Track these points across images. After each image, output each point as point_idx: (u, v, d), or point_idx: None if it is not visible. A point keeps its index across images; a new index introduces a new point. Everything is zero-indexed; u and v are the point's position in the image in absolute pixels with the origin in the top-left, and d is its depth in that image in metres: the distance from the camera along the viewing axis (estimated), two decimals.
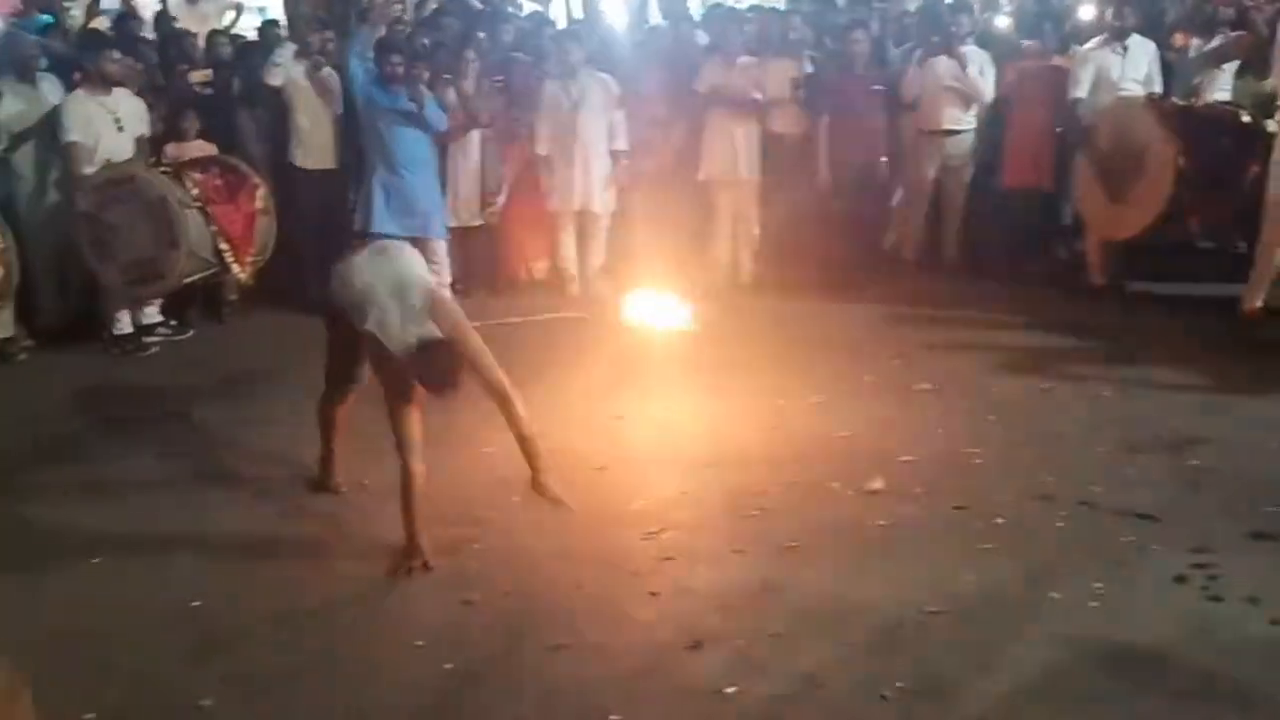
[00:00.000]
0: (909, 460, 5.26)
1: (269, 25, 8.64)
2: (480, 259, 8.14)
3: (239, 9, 11.08)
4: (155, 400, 6.32)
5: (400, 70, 7.18)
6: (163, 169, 6.83)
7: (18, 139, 6.85)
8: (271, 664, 3.76)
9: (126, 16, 8.98)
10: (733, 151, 7.95)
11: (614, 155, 7.89)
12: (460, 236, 7.96)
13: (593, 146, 7.77)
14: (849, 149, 7.88)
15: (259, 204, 7.00)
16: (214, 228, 6.74)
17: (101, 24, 9.83)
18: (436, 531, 4.47)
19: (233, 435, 5.74)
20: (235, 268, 6.88)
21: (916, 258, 8.53)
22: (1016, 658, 3.67)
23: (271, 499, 5.06)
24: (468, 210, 7.89)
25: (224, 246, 6.80)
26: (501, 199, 7.97)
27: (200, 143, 7.17)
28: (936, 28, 8.32)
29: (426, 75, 7.41)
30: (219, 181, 6.86)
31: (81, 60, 7.08)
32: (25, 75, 6.97)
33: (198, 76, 7.81)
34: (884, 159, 8.11)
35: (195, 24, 10.07)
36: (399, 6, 8.72)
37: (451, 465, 5.04)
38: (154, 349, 7.11)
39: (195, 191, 6.70)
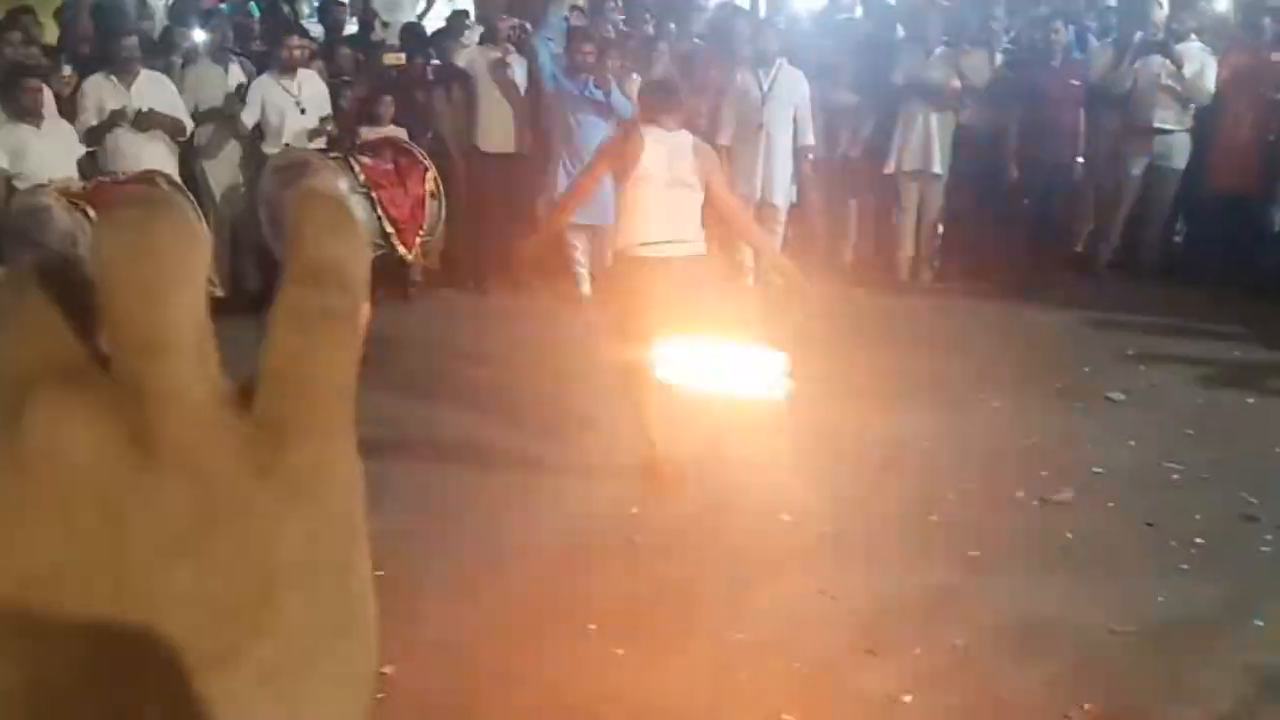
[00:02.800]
0: (1099, 472, 5.04)
1: (458, 13, 8.84)
2: None
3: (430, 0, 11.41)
4: None
5: (590, 58, 7.22)
6: (334, 154, 7.07)
7: (204, 117, 7.17)
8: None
9: (332, 3, 9.33)
10: (926, 144, 7.72)
11: (800, 149, 7.74)
12: None
13: (778, 138, 7.64)
14: (1043, 145, 7.57)
15: (428, 186, 7.15)
16: (378, 212, 6.93)
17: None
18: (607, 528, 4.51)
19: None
20: (400, 249, 7.05)
21: (1113, 260, 8.12)
22: (1210, 687, 3.47)
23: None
24: None
25: (389, 229, 6.99)
26: None
27: (393, 127, 7.38)
28: (1141, 21, 7.91)
29: (615, 64, 7.43)
30: (389, 165, 7.04)
31: (267, 44, 7.37)
32: (217, 57, 7.27)
33: (391, 59, 8.05)
34: (1079, 159, 7.76)
35: (390, 10, 10.40)
36: None
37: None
38: None
39: (362, 177, 6.91)
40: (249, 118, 6.95)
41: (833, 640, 3.81)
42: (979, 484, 4.96)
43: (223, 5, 10.68)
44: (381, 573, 0.35)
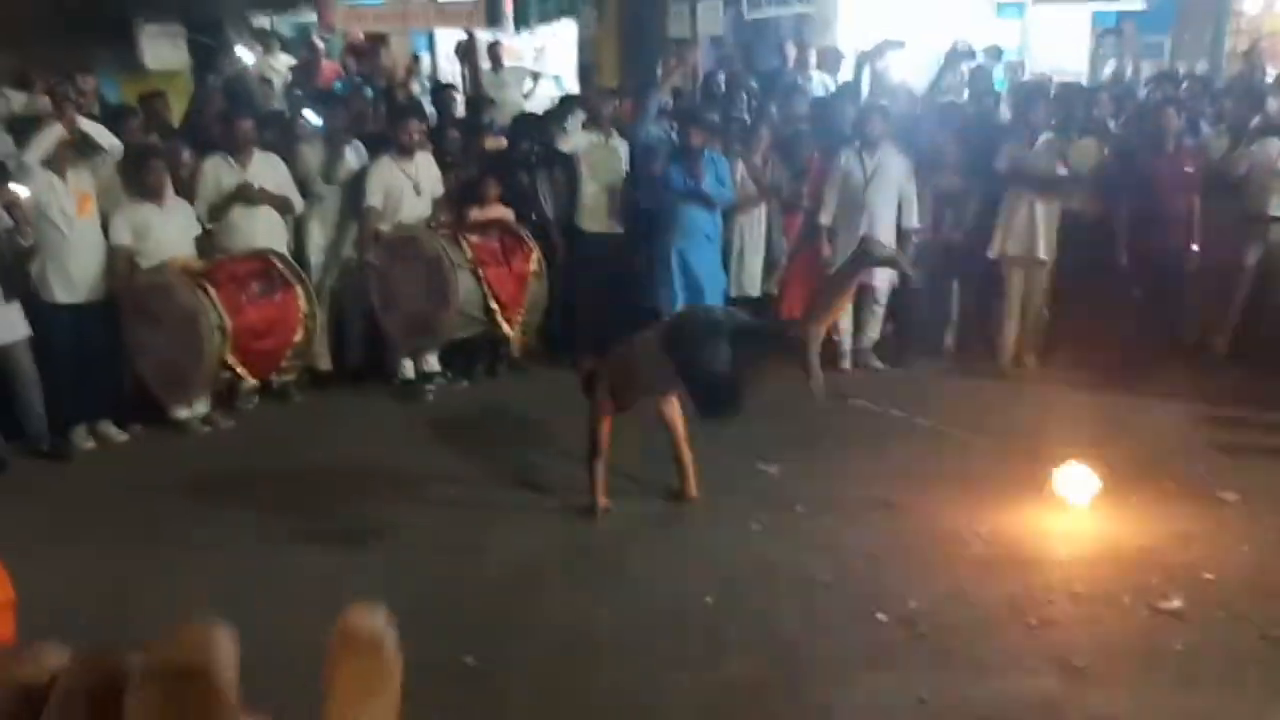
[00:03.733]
0: (1211, 579, 4.84)
1: (567, 98, 9.02)
2: None
3: (536, 77, 11.69)
4: (426, 439, 6.74)
5: (691, 142, 7.32)
6: (443, 231, 7.21)
7: (316, 195, 7.39)
8: None
9: (444, 86, 9.59)
10: (1031, 230, 7.59)
11: (904, 232, 7.69)
12: (741, 307, 7.99)
13: (881, 221, 7.61)
14: (1154, 233, 7.39)
15: (532, 267, 7.27)
16: (485, 289, 7.05)
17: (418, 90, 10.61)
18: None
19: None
20: (504, 326, 7.17)
21: (1228, 352, 7.84)
22: None
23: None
24: (750, 280, 7.90)
25: (494, 306, 7.11)
26: (780, 271, 7.94)
27: (499, 206, 7.52)
28: (1256, 107, 7.73)
29: (712, 148, 7.54)
30: (495, 244, 7.20)
31: (390, 128, 7.59)
32: (333, 139, 7.50)
33: (492, 144, 8.24)
34: (1194, 247, 7.55)
35: (496, 90, 10.67)
36: (680, 74, 8.91)
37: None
38: (430, 396, 7.46)
39: (469, 255, 7.04)
40: (373, 200, 7.13)
41: None
42: (1083, 587, 4.80)
43: (336, 84, 11.10)
44: None
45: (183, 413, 6.84)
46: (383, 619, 0.35)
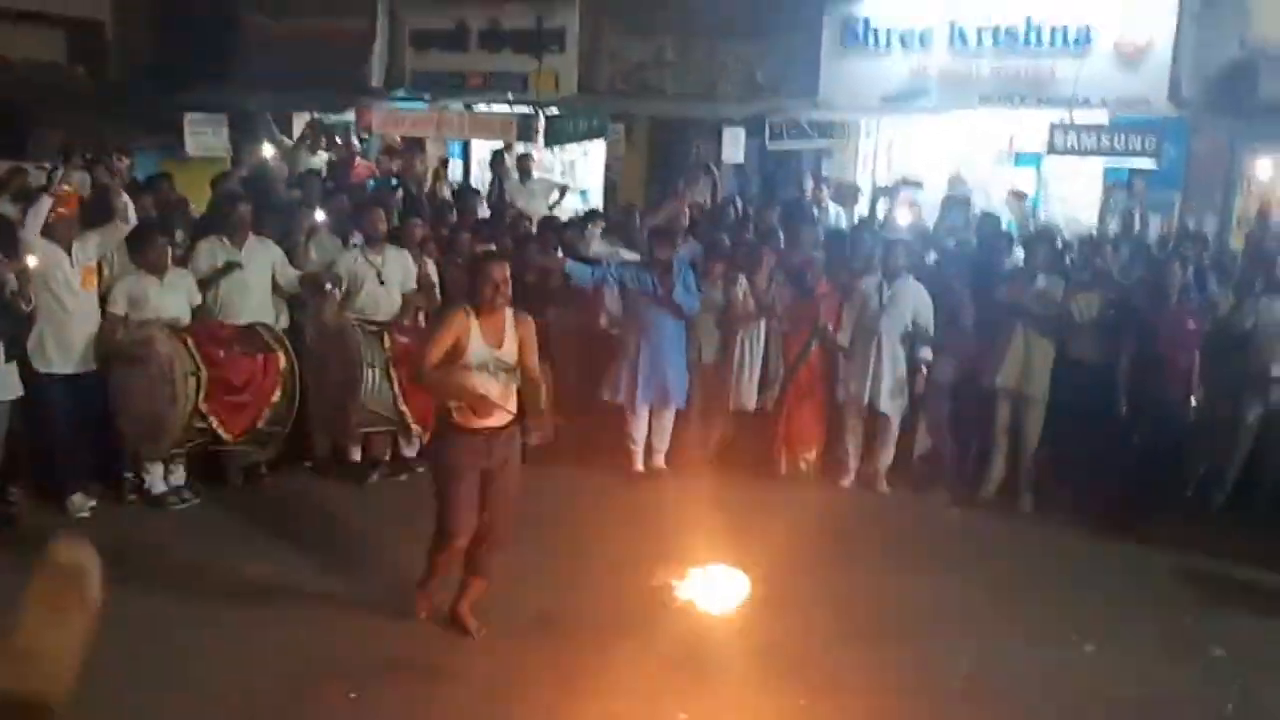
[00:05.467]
0: None
1: (591, 211, 9.29)
2: (749, 444, 8.19)
3: (564, 190, 12.00)
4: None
5: (664, 255, 7.71)
6: (372, 329, 7.30)
7: (307, 280, 7.57)
8: None
9: (466, 190, 9.87)
10: (1025, 365, 7.71)
11: (916, 362, 7.86)
12: (735, 420, 8.14)
13: (891, 348, 7.80)
14: (1155, 383, 7.46)
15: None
16: (397, 389, 7.13)
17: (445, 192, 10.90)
18: None
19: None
20: (415, 428, 7.21)
21: (1226, 506, 7.83)
22: None
23: None
24: (746, 395, 8.01)
25: (403, 407, 7.17)
26: (778, 387, 8.05)
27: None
28: (1265, 266, 7.88)
29: (721, 268, 7.88)
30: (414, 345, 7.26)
31: (358, 219, 7.91)
32: (335, 228, 7.87)
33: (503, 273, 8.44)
34: (1194, 401, 7.62)
35: (524, 199, 10.96)
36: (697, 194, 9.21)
37: None
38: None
39: (388, 354, 7.15)
40: (328, 286, 7.39)
41: None
42: None
43: (369, 182, 11.42)
44: None
45: (158, 486, 6.86)
46: (88, 553, 0.40)
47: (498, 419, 5.08)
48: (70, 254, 6.47)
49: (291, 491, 7.25)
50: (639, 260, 8.13)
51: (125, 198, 6.83)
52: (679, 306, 7.75)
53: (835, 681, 5.07)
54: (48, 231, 6.36)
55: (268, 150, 10.67)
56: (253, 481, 7.30)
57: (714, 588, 5.28)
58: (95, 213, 6.88)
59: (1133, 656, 5.54)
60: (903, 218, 9.38)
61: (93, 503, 6.71)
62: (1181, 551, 7.01)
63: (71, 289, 6.47)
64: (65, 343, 6.49)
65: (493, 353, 5.07)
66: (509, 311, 5.18)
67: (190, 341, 6.52)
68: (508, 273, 5.17)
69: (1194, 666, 5.47)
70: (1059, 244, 8.42)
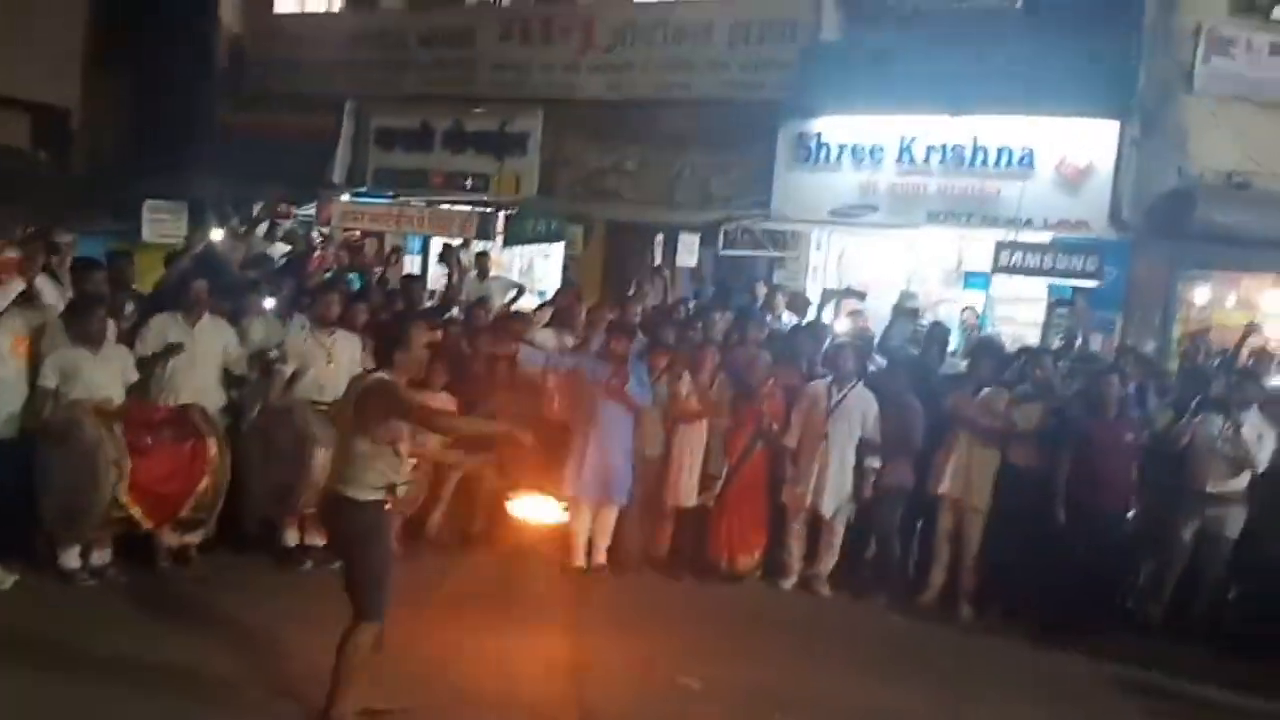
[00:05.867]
0: None
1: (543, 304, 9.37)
2: (690, 541, 8.14)
3: (520, 290, 12.09)
4: None
5: (620, 348, 7.76)
6: (321, 409, 7.17)
7: (254, 361, 7.60)
8: None
9: (411, 278, 9.95)
10: (966, 474, 7.77)
11: (861, 468, 7.90)
12: (675, 515, 8.10)
13: (839, 452, 7.85)
14: (1092, 494, 7.53)
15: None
16: None
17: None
18: None
19: None
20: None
21: (1163, 620, 7.83)
22: None
23: None
24: (686, 491, 7.97)
25: None
26: (719, 485, 8.03)
27: (445, 395, 7.62)
28: (1201, 386, 8.04)
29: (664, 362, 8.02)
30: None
31: (310, 303, 7.99)
32: (280, 310, 7.97)
33: (426, 338, 8.45)
34: (1130, 513, 7.68)
35: (480, 296, 11.01)
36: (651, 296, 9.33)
37: None
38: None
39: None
40: (287, 365, 7.36)
41: None
42: None
43: (327, 273, 11.49)
44: None
45: (71, 562, 6.67)
46: None
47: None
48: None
49: (218, 575, 7.04)
50: (591, 352, 8.12)
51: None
52: (631, 399, 7.75)
53: None
54: None
55: (217, 234, 10.69)
56: (181, 563, 7.12)
57: None
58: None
59: None
60: (843, 325, 9.53)
61: (15, 577, 6.49)
62: (1119, 665, 7.02)
63: (5, 357, 6.42)
64: None
65: None
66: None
67: (118, 428, 6.40)
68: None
69: None
70: (1001, 356, 8.53)
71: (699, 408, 7.95)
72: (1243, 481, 7.65)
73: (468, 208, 14.12)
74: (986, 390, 7.94)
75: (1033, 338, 10.88)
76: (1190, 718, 6.26)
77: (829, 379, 8.07)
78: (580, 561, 7.85)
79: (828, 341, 9.00)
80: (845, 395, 7.93)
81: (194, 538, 7.08)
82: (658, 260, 12.15)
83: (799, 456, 8.01)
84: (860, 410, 7.91)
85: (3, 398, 6.49)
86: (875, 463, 7.90)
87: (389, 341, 5.23)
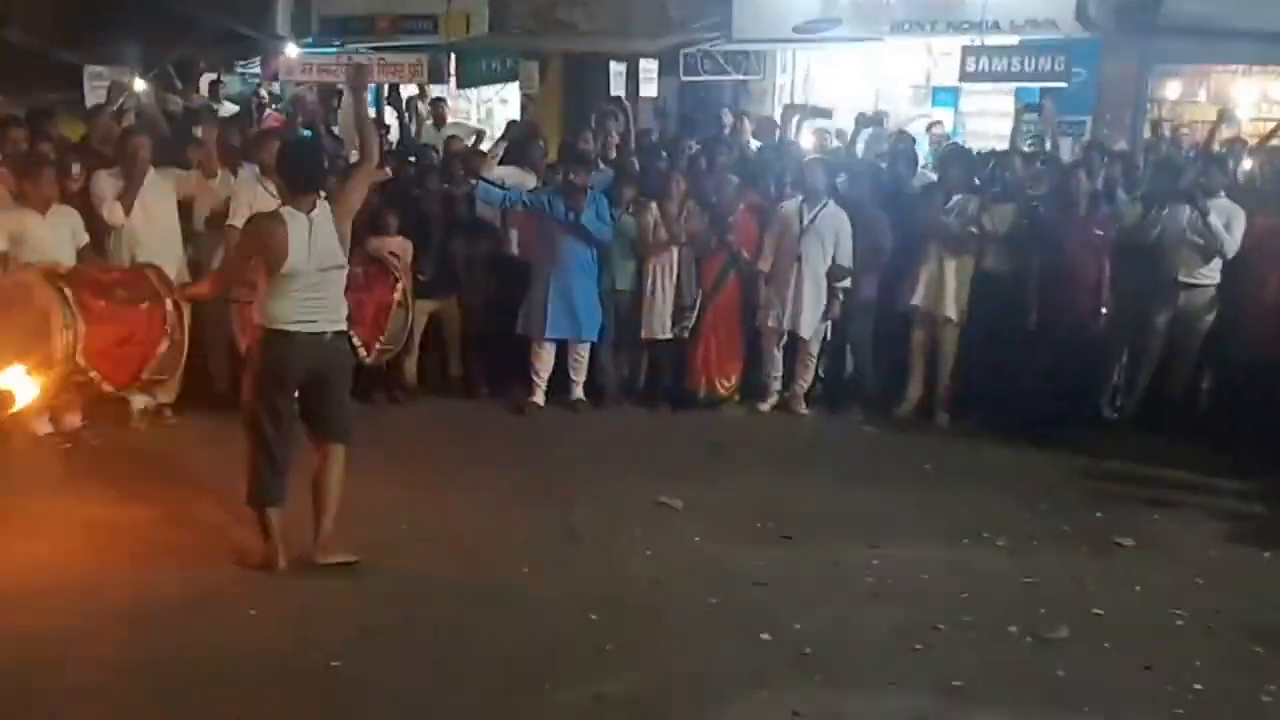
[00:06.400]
0: (1099, 614, 4.83)
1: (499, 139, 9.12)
2: (666, 372, 8.12)
3: (480, 134, 11.80)
4: None
5: (573, 179, 7.56)
6: None
7: (208, 219, 7.35)
8: None
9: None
10: (940, 286, 7.70)
11: (832, 287, 7.81)
12: (649, 348, 8.06)
13: (813, 272, 7.73)
14: (1065, 294, 7.49)
15: (396, 296, 7.15)
16: None
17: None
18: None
19: None
20: (361, 352, 7.01)
21: (1135, 414, 7.91)
22: None
23: None
24: (660, 323, 7.91)
25: (351, 332, 6.95)
26: (694, 314, 7.96)
27: (400, 239, 7.47)
28: (1172, 176, 7.93)
29: (631, 192, 7.84)
30: (358, 270, 7.02)
31: (250, 148, 7.67)
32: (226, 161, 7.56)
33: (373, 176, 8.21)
34: (1104, 310, 7.66)
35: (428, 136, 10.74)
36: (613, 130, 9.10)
37: None
38: None
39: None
40: (237, 220, 7.02)
41: None
42: (971, 617, 4.75)
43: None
44: None
45: (43, 427, 6.64)
46: None
47: None
48: None
49: (191, 433, 7.00)
50: (549, 186, 7.96)
51: None
52: (591, 234, 7.63)
53: (749, 582, 5.04)
54: None
55: (139, 85, 10.25)
56: (158, 422, 7.07)
57: None
58: None
59: (1044, 549, 5.60)
60: (807, 141, 9.30)
61: None
62: (1094, 458, 7.07)
63: None
64: None
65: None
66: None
67: (68, 290, 6.21)
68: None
69: (1103, 557, 5.53)
70: (969, 162, 8.38)
71: (668, 238, 7.82)
72: (1214, 270, 7.61)
73: (417, 54, 13.67)
74: (957, 197, 7.82)
75: (1002, 148, 10.70)
76: (1162, 500, 6.34)
77: (799, 199, 7.92)
78: (539, 399, 7.83)
79: (794, 161, 8.80)
80: (817, 214, 7.77)
81: (165, 397, 7.03)
82: (613, 91, 11.80)
83: (772, 279, 7.92)
84: (833, 229, 7.77)
85: None
86: (845, 283, 7.80)
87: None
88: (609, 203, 7.84)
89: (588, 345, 7.88)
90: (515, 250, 8.10)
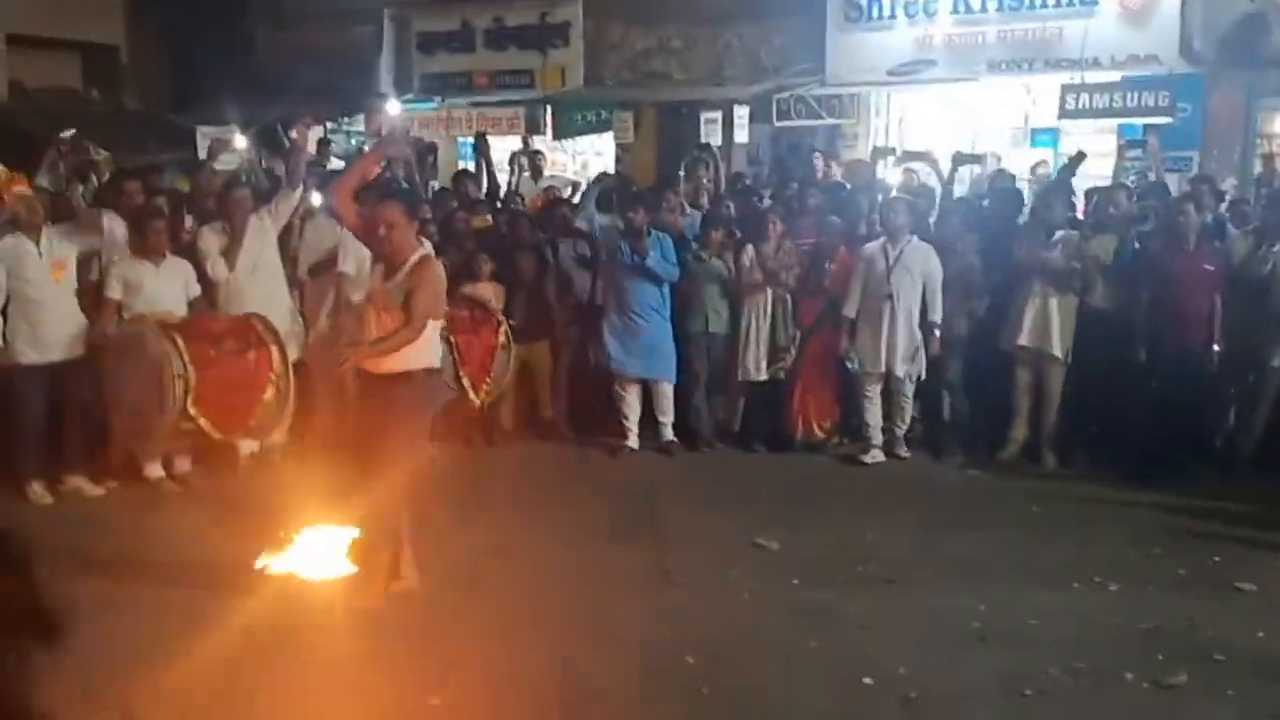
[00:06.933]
0: (1220, 659, 4.60)
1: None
2: (757, 415, 8.06)
3: (576, 186, 11.97)
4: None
5: (636, 220, 7.58)
6: None
7: (315, 269, 7.53)
8: None
9: (461, 174, 9.89)
10: (1045, 324, 7.51)
11: (927, 325, 7.66)
12: (746, 389, 8.01)
13: (905, 310, 7.61)
14: (1174, 330, 7.26)
15: (500, 339, 7.28)
16: (454, 355, 7.02)
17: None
18: None
19: None
20: (471, 394, 7.13)
21: (1254, 457, 7.57)
22: None
23: None
24: (755, 365, 7.85)
25: (462, 374, 7.08)
26: (791, 355, 7.89)
27: (493, 284, 7.60)
28: None
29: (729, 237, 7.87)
30: (465, 313, 7.18)
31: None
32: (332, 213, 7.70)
33: (478, 222, 8.38)
34: (1216, 347, 7.40)
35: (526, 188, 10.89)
36: (705, 174, 9.14)
37: None
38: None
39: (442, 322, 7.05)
40: (348, 267, 7.17)
41: None
42: (1084, 663, 4.57)
43: None
44: None
45: (155, 471, 6.84)
46: None
47: None
48: (38, 246, 6.46)
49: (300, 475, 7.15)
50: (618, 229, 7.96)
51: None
52: (654, 274, 7.60)
53: (851, 626, 4.93)
54: (14, 224, 6.41)
55: (240, 142, 10.61)
56: (264, 465, 7.22)
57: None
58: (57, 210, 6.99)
59: (1157, 594, 5.37)
60: (895, 181, 9.21)
61: (48, 499, 6.58)
62: (1209, 499, 6.81)
63: (42, 282, 6.46)
64: (37, 334, 6.49)
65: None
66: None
67: (180, 341, 6.43)
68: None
69: (1222, 601, 5.29)
70: (1072, 197, 8.21)
71: (763, 280, 7.79)
72: None
73: (514, 107, 13.96)
74: (1060, 233, 7.65)
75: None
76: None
77: (882, 239, 7.76)
78: (633, 442, 7.83)
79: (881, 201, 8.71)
80: (901, 251, 7.64)
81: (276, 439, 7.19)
82: (705, 139, 11.86)
83: (864, 321, 7.73)
84: (921, 265, 7.62)
85: (54, 323, 6.54)
86: (937, 317, 7.61)
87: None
88: (698, 245, 7.87)
89: (670, 386, 7.84)
90: (600, 298, 8.14)
